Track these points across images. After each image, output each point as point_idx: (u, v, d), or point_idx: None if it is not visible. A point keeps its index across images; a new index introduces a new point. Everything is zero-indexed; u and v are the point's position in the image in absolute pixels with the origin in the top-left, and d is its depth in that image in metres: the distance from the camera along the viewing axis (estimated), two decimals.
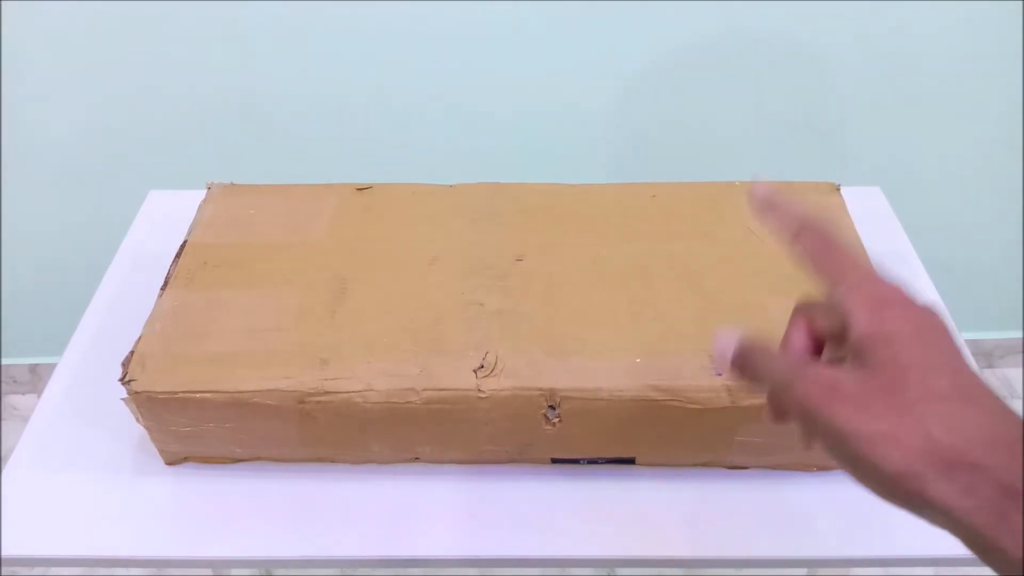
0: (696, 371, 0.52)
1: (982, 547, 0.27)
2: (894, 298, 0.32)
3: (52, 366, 0.65)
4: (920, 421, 0.28)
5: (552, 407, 0.52)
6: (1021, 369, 1.47)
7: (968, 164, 1.14)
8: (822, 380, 0.31)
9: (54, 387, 0.63)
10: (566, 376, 0.52)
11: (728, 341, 0.36)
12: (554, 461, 0.57)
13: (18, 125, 1.06)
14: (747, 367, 0.35)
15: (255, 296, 0.58)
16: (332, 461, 0.58)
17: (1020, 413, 0.29)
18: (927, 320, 0.32)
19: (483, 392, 0.52)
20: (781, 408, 0.33)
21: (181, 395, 0.52)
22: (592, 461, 0.57)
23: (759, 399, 0.51)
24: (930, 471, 0.27)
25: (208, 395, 0.52)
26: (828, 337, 0.35)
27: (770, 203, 0.38)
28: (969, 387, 0.30)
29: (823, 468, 0.57)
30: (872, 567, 0.57)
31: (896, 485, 0.28)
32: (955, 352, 0.31)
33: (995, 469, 0.27)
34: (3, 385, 1.46)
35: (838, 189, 0.66)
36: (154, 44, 0.99)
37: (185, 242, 0.62)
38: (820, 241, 0.36)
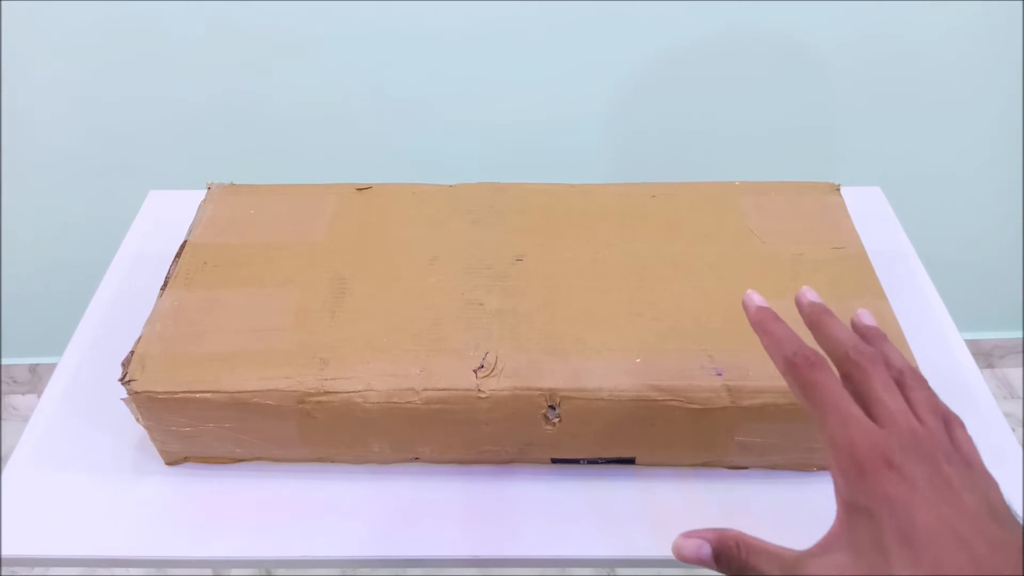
0: (696, 371, 0.52)
1: None
2: (874, 458, 0.32)
3: (52, 366, 0.65)
4: None
5: (552, 407, 0.52)
6: (1021, 369, 1.47)
7: (968, 164, 1.14)
8: None
9: (54, 387, 0.63)
10: (566, 376, 0.52)
11: (695, 544, 0.36)
12: (554, 461, 0.57)
13: (18, 125, 1.06)
14: (735, 566, 0.35)
15: (255, 296, 0.58)
16: (332, 461, 0.58)
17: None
18: (908, 475, 0.31)
19: (483, 392, 0.52)
20: None
21: (181, 395, 0.52)
22: (592, 461, 0.57)
23: (759, 399, 0.51)
24: None
25: (208, 395, 0.52)
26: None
27: (761, 327, 0.39)
28: (962, 530, 0.29)
29: (823, 468, 0.57)
30: None
31: None
32: (940, 492, 0.30)
33: None
34: (3, 385, 1.46)
35: (838, 189, 0.66)
36: (154, 45, 0.99)
37: (185, 242, 0.62)
38: (802, 381, 0.35)
